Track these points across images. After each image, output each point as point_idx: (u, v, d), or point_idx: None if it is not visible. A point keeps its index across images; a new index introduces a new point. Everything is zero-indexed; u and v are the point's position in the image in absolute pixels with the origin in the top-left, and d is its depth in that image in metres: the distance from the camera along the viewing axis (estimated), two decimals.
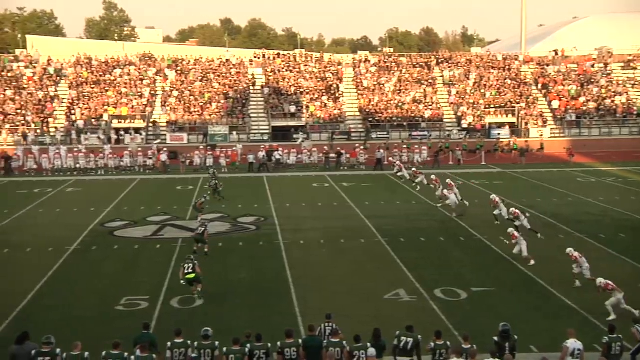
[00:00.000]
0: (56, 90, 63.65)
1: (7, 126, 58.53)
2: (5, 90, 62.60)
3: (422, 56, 75.56)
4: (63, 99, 62.70)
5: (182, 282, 21.15)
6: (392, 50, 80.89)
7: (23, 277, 23.61)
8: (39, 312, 20.11)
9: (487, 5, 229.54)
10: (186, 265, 21.09)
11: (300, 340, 14.78)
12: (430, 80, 67.91)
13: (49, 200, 39.10)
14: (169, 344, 14.44)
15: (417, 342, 14.69)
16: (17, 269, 24.90)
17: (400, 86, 66.81)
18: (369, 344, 14.37)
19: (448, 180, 36.32)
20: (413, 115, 62.97)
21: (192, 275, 20.97)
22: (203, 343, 14.39)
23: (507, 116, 64.02)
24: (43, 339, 14.17)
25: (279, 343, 14.49)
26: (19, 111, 60.19)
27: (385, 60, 71.69)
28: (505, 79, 68.40)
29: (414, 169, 43.98)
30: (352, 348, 14.31)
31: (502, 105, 64.56)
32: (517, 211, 29.09)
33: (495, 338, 14.75)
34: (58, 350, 13.98)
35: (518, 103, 64.52)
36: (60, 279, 23.56)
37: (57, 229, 31.27)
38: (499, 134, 61.48)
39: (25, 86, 63.70)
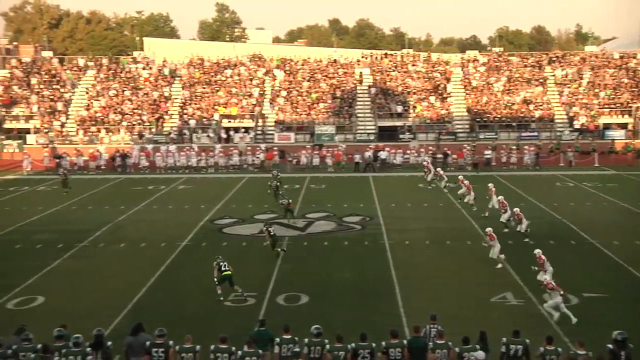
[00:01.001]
0: (170, 91, 65.76)
1: (125, 125, 60.90)
2: (123, 90, 65.17)
3: (533, 55, 73.75)
4: (176, 98, 64.72)
5: (215, 280, 21.47)
6: (501, 49, 79.18)
7: (138, 271, 24.56)
8: (152, 305, 20.87)
9: (604, 2, 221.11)
10: (222, 264, 21.50)
11: (405, 341, 14.74)
12: (541, 80, 66.18)
13: (162, 197, 40.44)
14: (277, 339, 14.68)
15: (526, 347, 14.39)
16: (132, 263, 25.91)
17: (510, 86, 65.43)
18: (477, 346, 14.19)
19: (490, 185, 34.79)
20: (522, 115, 61.55)
21: (229, 273, 21.33)
22: (313, 340, 14.54)
23: (622, 117, 61.62)
24: (156, 331, 14.69)
25: (383, 343, 14.48)
26: (135, 110, 62.53)
27: (495, 60, 70.37)
28: (622, 78, 65.84)
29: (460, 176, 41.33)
30: (461, 349, 14.16)
31: (618, 105, 62.19)
32: (521, 214, 29.20)
33: (610, 346, 14.18)
34: (171, 342, 14.47)
35: (635, 103, 61.99)
36: (172, 274, 24.37)
37: (170, 225, 32.32)
38: (613, 134, 59.25)
39: (142, 86, 66.09)
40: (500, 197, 31.70)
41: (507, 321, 17.84)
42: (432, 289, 21.82)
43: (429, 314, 15.94)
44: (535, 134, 59.56)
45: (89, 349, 14.27)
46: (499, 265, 24.38)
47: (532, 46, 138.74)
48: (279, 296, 21.37)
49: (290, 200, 33.30)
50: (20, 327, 15.42)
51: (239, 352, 14.14)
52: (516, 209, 29.79)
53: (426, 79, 67.11)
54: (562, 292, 19.10)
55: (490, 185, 34.61)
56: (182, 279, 23.56)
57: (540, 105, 62.65)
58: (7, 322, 16.53)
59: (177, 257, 26.48)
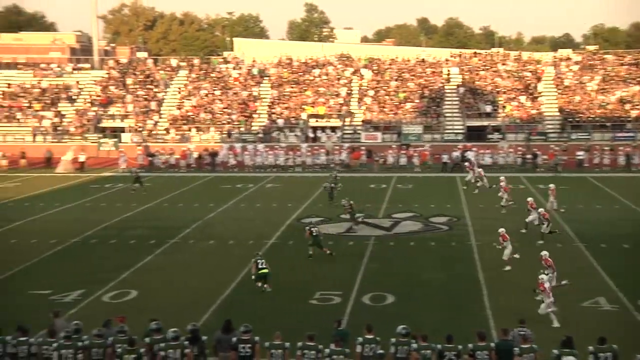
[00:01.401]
0: (259, 90, 66.68)
1: (214, 124, 62.10)
2: (213, 90, 66.50)
3: (631, 53, 71.30)
4: (265, 98, 65.58)
5: (253, 277, 21.87)
6: (596, 47, 76.90)
7: (226, 268, 25.04)
8: (239, 301, 21.25)
9: None
10: (260, 261, 21.91)
11: (492, 344, 14.53)
12: (638, 79, 63.91)
13: (250, 195, 41.07)
14: (360, 339, 14.70)
15: (615, 354, 13.94)
16: (220, 260, 26.44)
17: (605, 85, 63.48)
18: (574, 350, 13.81)
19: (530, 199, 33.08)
20: (617, 115, 59.63)
21: (266, 271, 21.77)
22: (401, 340, 14.51)
23: None
24: (242, 327, 14.96)
25: (470, 345, 14.32)
26: (225, 110, 63.71)
27: (589, 58, 68.41)
28: None
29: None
30: (560, 352, 13.78)
31: None
32: (547, 214, 28.64)
33: None
34: (257, 339, 14.71)
35: None
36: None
37: (257, 223, 32.79)
38: None
39: (232, 86, 67.27)
40: (529, 199, 30.98)
41: (599, 327, 17.33)
42: (520, 291, 21.41)
43: (517, 318, 15.67)
44: (632, 134, 57.57)
45: (186, 343, 14.64)
46: (507, 268, 23.95)
47: (630, 44, 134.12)
48: (364, 296, 21.41)
49: (351, 202, 32.77)
50: (107, 320, 15.99)
51: (327, 350, 14.23)
52: (541, 209, 29.01)
53: (516, 78, 65.85)
54: (551, 300, 18.74)
55: (552, 186, 33.79)
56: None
57: (637, 105, 60.54)
58: (104, 315, 17.12)
59: (265, 254, 26.81)
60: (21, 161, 53.07)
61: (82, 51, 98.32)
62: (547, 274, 20.13)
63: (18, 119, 63.75)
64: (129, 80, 68.40)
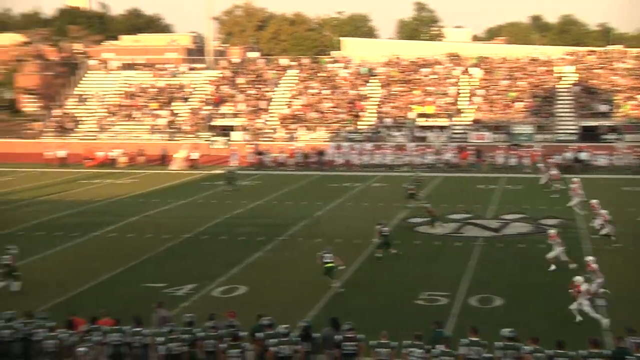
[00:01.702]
0: (367, 89, 66.77)
1: (323, 123, 62.66)
2: (322, 89, 67.10)
3: None
4: (373, 97, 65.62)
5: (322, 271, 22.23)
6: None
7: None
8: (345, 299, 21.41)
9: None
10: (326, 255, 21.99)
11: (607, 351, 14.09)
12: None
13: (357, 194, 41.21)
14: (465, 340, 14.57)
15: None
16: None
17: None
18: None
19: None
20: None
21: (331, 265, 21.96)
22: (508, 344, 14.30)
23: None
24: (345, 325, 15.09)
25: (583, 352, 13.92)
26: (333, 109, 64.17)
27: None
28: None
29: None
30: None
31: None
32: (607, 217, 28.25)
33: None
34: (361, 336, 14.80)
35: None
36: (365, 270, 24.83)
37: (363, 222, 32.77)
38: None
39: (340, 85, 67.67)
40: (594, 201, 30.21)
41: None
42: (636, 297, 20.60)
43: (625, 325, 15.14)
44: None
45: (297, 339, 14.88)
46: (552, 267, 23.71)
47: None
48: (471, 297, 21.16)
49: (429, 205, 32.21)
50: (211, 314, 16.44)
51: (434, 351, 14.18)
52: (604, 211, 28.37)
53: (635, 77, 63.26)
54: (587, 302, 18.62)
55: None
56: (374, 276, 23.94)
57: None
58: (214, 310, 17.59)
59: (370, 253, 26.90)
60: (139, 158, 55.15)
61: (196, 51, 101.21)
62: (589, 278, 19.97)
63: (136, 118, 66.30)
64: (240, 80, 69.89)
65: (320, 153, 53.93)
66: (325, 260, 22.32)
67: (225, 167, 47.78)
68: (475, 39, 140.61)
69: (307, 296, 21.67)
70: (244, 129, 63.00)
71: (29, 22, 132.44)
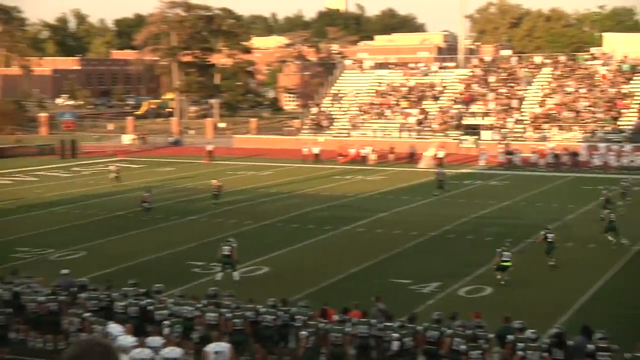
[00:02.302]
0: (629, 87, 62.77)
1: (578, 122, 59.95)
2: (578, 87, 64.18)
3: None
4: (636, 96, 61.56)
5: (494, 266, 22.87)
6: None
7: (585, 271, 24.32)
8: (598, 307, 20.46)
9: None
10: (505, 254, 22.61)
11: None
12: None
13: (612, 197, 38.89)
14: None
15: None
16: (578, 263, 25.63)
17: None
18: None
19: None
20: None
21: (508, 264, 22.54)
22: None
23: None
24: (598, 334, 14.44)
25: None
26: (590, 108, 61.14)
27: None
28: None
29: None
30: None
31: None
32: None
33: None
34: (613, 347, 14.13)
35: None
36: (619, 278, 23.54)
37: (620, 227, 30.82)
38: None
39: (598, 83, 64.29)
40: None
41: None
42: None
43: None
44: None
45: (544, 345, 14.51)
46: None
47: None
48: None
49: (612, 215, 28.85)
50: (454, 313, 16.50)
51: None
52: None
53: None
54: None
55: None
56: (630, 284, 22.64)
57: None
58: (458, 309, 17.60)
59: (630, 260, 25.38)
60: (389, 156, 56.36)
61: (448, 50, 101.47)
62: None
63: (386, 116, 67.85)
64: (491, 79, 68.88)
65: (574, 154, 51.67)
66: (504, 259, 22.74)
67: (437, 170, 46.02)
68: None
69: (557, 301, 20.98)
70: (494, 128, 62.04)
71: (292, 25, 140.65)
